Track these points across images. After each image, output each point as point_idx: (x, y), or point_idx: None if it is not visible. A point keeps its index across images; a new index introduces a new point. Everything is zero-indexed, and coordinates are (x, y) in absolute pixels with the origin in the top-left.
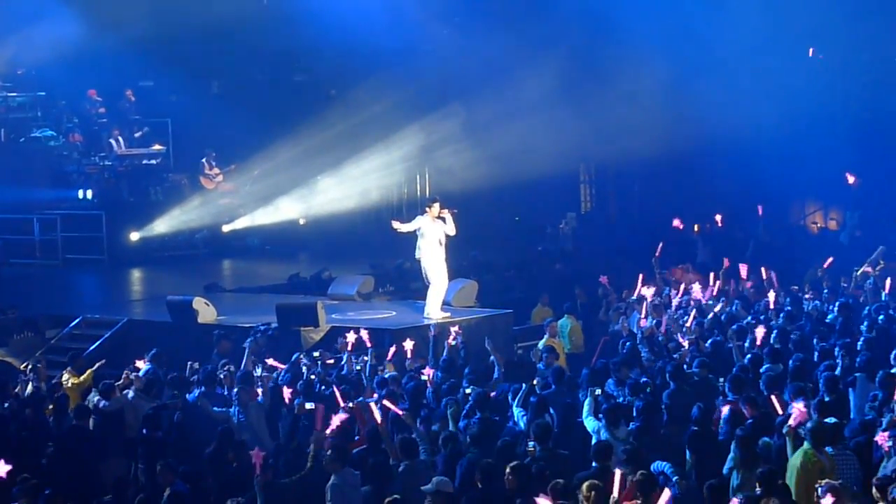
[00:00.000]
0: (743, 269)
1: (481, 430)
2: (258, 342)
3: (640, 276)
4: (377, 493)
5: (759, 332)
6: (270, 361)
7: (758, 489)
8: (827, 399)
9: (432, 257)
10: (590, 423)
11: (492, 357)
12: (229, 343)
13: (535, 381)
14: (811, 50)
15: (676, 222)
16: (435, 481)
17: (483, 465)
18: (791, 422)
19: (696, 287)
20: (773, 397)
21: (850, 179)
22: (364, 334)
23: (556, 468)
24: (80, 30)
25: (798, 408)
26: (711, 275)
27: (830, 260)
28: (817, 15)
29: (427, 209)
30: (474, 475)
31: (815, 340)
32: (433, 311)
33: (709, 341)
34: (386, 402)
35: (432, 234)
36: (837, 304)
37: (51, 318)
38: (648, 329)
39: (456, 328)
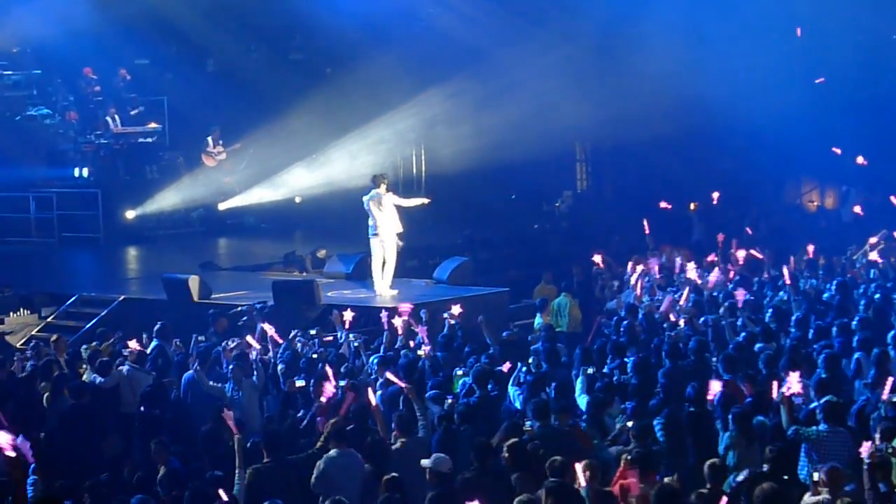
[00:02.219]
0: (736, 248)
1: (479, 407)
2: (254, 320)
3: (630, 263)
4: (375, 472)
5: (739, 294)
6: (271, 333)
7: (765, 467)
8: (825, 377)
9: (392, 233)
10: (582, 401)
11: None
12: (226, 321)
13: (529, 361)
14: (798, 30)
15: (663, 204)
16: (433, 458)
17: (478, 443)
18: (784, 390)
19: (691, 266)
20: (774, 383)
21: (838, 152)
22: (348, 315)
23: (555, 446)
24: (75, 8)
25: (794, 378)
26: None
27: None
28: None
29: (382, 183)
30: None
31: (812, 319)
32: (386, 289)
33: (701, 319)
34: (390, 376)
35: (390, 209)
36: (835, 282)
37: (47, 296)
38: (647, 307)
39: (457, 306)
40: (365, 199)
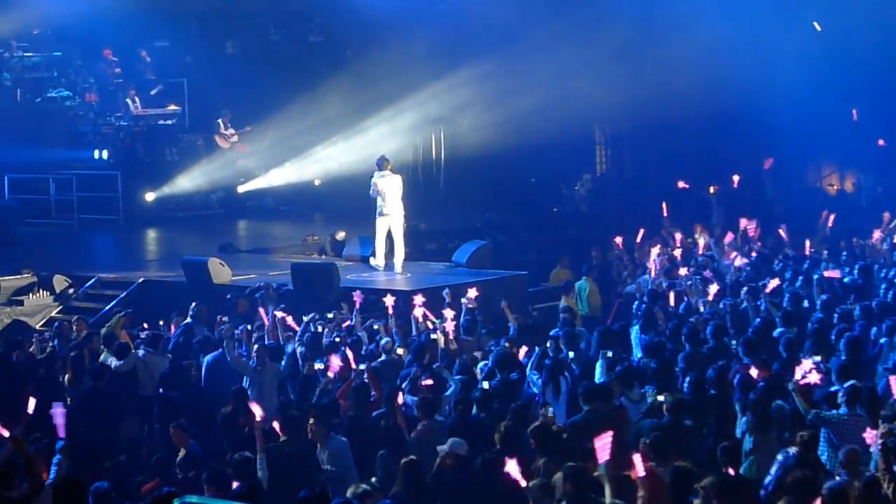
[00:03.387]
0: (750, 228)
1: (500, 391)
2: (270, 296)
3: (641, 231)
4: (393, 455)
5: (773, 283)
6: (288, 321)
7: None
8: (845, 360)
9: (399, 213)
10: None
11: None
12: (247, 302)
13: (547, 345)
14: (817, 25)
15: (682, 184)
16: (450, 443)
17: (502, 427)
18: (797, 376)
19: (702, 242)
20: (797, 367)
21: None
22: (389, 300)
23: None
24: None
25: (808, 364)
26: (729, 234)
27: (832, 216)
28: None
29: (387, 165)
30: (489, 436)
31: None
32: (399, 267)
33: (721, 303)
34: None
35: (395, 190)
36: (857, 266)
37: (66, 278)
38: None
39: (474, 290)
40: (373, 180)
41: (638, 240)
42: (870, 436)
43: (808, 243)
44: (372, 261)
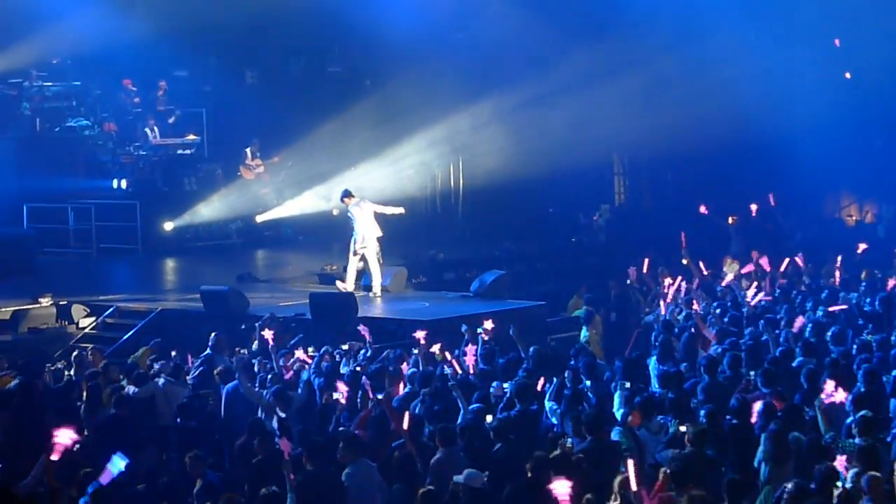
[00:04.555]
0: (764, 261)
1: (519, 422)
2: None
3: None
4: (408, 486)
5: (798, 322)
6: (299, 354)
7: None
8: (863, 391)
9: (373, 238)
10: (620, 416)
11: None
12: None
13: (565, 375)
14: (837, 41)
15: (702, 209)
16: (466, 474)
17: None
18: (823, 396)
19: (731, 275)
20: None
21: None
22: (420, 334)
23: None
24: (115, 20)
25: (830, 386)
26: (749, 265)
27: (864, 247)
28: (846, 9)
29: (351, 196)
30: (507, 467)
31: (850, 334)
32: (377, 288)
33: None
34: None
35: (368, 216)
36: (878, 297)
37: (85, 307)
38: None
39: (490, 321)
40: (349, 212)
41: (644, 269)
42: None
43: (837, 274)
44: (339, 284)
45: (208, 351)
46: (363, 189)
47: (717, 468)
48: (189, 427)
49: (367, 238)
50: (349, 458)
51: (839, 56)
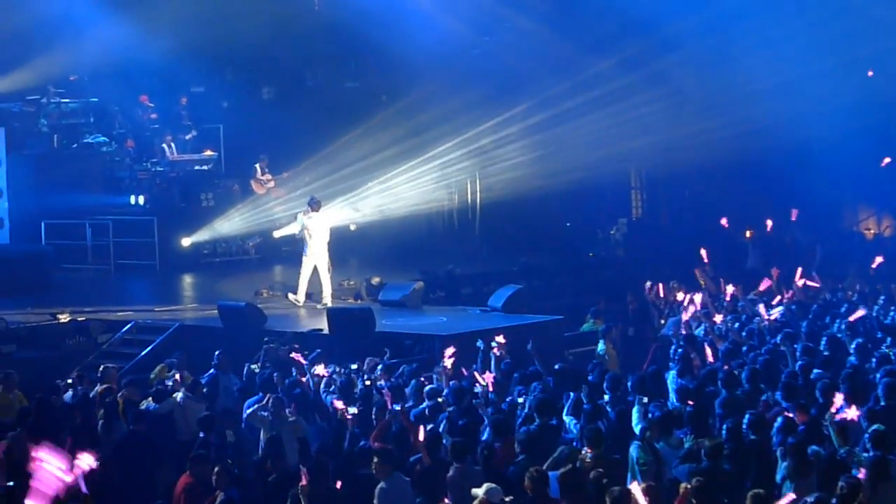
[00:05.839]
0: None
1: (537, 436)
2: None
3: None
4: (431, 500)
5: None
6: (319, 370)
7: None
8: (881, 405)
9: (325, 251)
10: (639, 431)
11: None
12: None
13: (583, 390)
14: (870, 72)
15: (724, 221)
16: (485, 488)
17: (534, 471)
18: (833, 410)
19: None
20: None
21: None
22: (449, 351)
23: (610, 474)
24: (132, 36)
25: (839, 399)
26: (766, 280)
27: (879, 260)
28: (868, 22)
29: (313, 208)
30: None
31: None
32: (328, 298)
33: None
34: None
35: (323, 230)
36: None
37: (102, 323)
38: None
39: (501, 336)
40: (302, 219)
41: (661, 293)
42: None
43: (857, 287)
44: (291, 296)
45: (212, 371)
46: (382, 205)
47: (736, 482)
48: (209, 442)
49: (320, 252)
50: (385, 473)
51: (857, 69)
